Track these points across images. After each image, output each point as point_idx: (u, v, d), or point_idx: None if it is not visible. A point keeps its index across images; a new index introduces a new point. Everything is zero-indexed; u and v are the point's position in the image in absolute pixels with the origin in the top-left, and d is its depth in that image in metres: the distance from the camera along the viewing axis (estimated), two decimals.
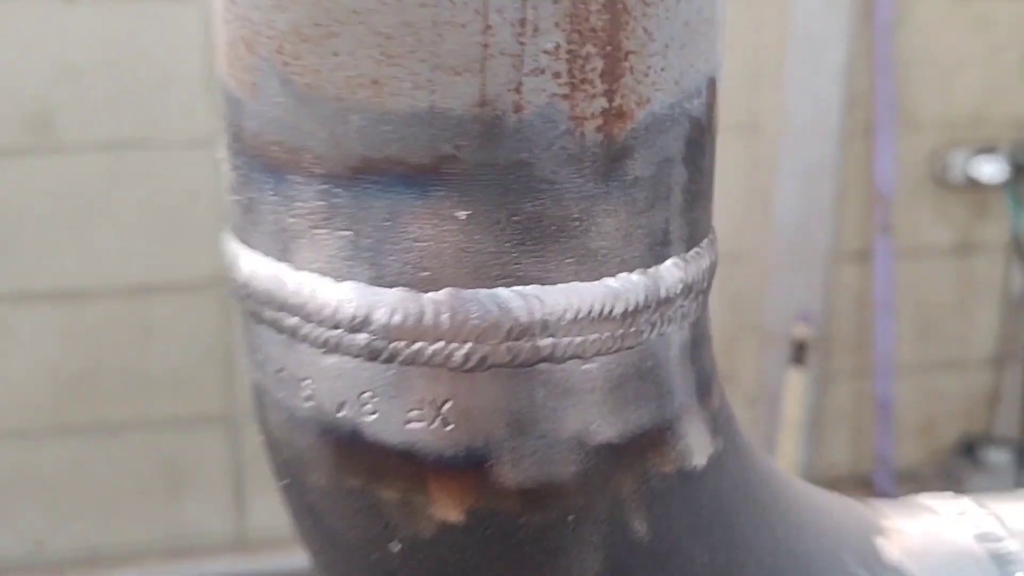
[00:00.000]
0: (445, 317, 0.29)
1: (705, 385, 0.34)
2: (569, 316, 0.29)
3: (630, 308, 0.30)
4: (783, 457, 2.09)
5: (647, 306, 0.31)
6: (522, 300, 0.29)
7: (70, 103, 1.67)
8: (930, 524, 0.41)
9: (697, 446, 0.33)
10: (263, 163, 0.30)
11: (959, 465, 2.21)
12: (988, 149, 2.06)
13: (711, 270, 0.33)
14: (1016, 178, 2.07)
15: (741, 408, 2.09)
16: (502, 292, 0.29)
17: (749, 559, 0.35)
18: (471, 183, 0.28)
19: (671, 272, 0.31)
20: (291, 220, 0.30)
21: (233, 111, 0.31)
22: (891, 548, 0.40)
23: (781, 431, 2.08)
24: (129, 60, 1.68)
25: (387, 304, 0.29)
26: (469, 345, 0.29)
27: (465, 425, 0.30)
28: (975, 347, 2.25)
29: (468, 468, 0.30)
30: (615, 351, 0.31)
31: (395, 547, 0.32)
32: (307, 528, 0.34)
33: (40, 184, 1.70)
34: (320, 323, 0.30)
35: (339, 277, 0.30)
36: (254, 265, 0.31)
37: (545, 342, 0.29)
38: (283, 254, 0.31)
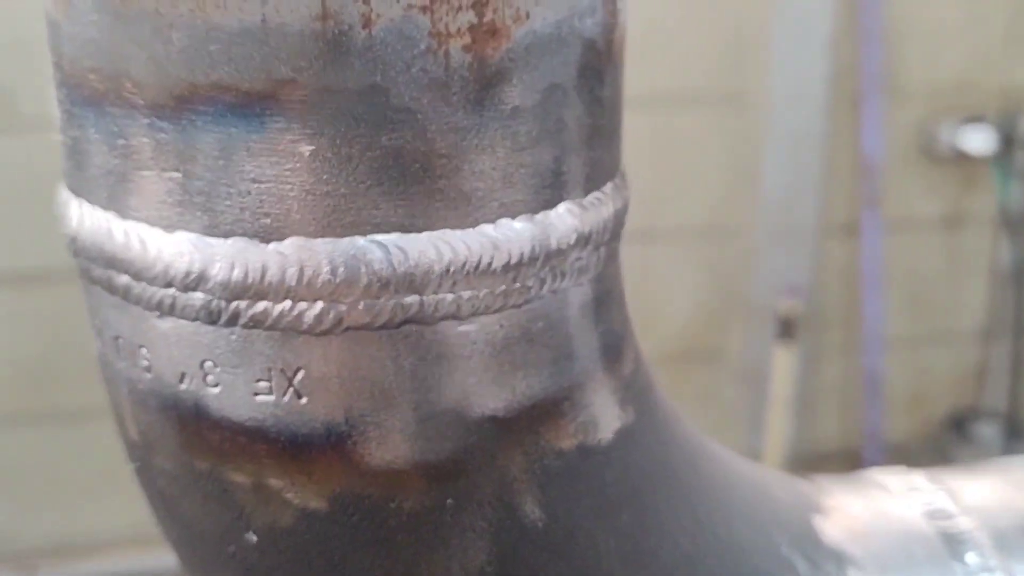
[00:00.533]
0: (292, 271, 0.25)
1: (613, 350, 0.30)
2: (439, 269, 0.25)
3: (513, 260, 0.26)
4: (772, 434, 2.05)
5: (534, 258, 0.26)
6: (381, 251, 0.25)
7: (28, 79, 1.62)
8: (877, 501, 0.37)
9: (603, 418, 0.29)
10: (83, 95, 0.26)
11: (948, 440, 2.17)
12: (975, 119, 2.01)
13: (617, 218, 0.29)
14: (1004, 149, 2.03)
15: (728, 385, 2.05)
16: (358, 241, 0.25)
17: (664, 544, 0.31)
18: (315, 112, 0.24)
19: (563, 219, 0.27)
20: (115, 161, 0.26)
21: (52, 36, 0.27)
22: (831, 528, 0.36)
23: (769, 408, 2.04)
24: None
25: (224, 257, 0.25)
26: (321, 304, 0.25)
27: (321, 397, 0.26)
28: (964, 320, 2.22)
29: (328, 447, 0.26)
30: (497, 310, 0.26)
31: (251, 538, 0.28)
32: (161, 517, 0.30)
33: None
34: (152, 281, 0.26)
35: (170, 227, 0.26)
36: (82, 215, 0.27)
37: (411, 299, 0.25)
38: (110, 201, 0.26)
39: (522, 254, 0.26)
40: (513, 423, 0.27)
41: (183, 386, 0.27)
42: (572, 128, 0.27)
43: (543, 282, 0.27)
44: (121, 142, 0.25)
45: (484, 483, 0.27)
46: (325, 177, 0.25)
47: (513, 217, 0.26)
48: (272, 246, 0.25)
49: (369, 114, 0.24)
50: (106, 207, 0.27)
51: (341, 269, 0.25)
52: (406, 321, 0.26)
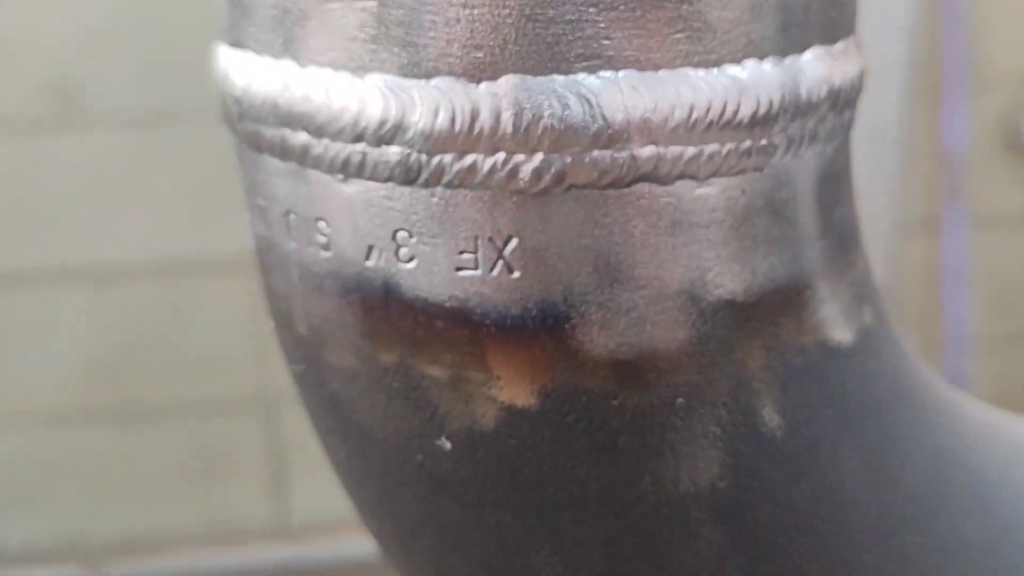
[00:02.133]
0: (507, 116, 0.21)
1: (851, 238, 0.26)
2: (679, 116, 0.21)
3: (761, 110, 0.22)
4: None
5: (784, 110, 0.22)
6: (616, 91, 0.21)
7: (98, 73, 1.61)
8: None
9: (843, 315, 0.25)
10: None
11: None
12: None
13: (862, 79, 0.25)
14: None
15: None
16: (587, 79, 0.21)
17: (906, 467, 0.26)
18: None
19: (813, 67, 0.23)
20: None
21: None
22: None
23: None
24: (160, 27, 1.61)
25: (426, 101, 0.21)
26: (540, 156, 0.21)
27: (537, 271, 0.22)
28: None
29: (542, 331, 0.22)
30: (739, 172, 0.22)
31: (444, 444, 0.24)
32: (330, 428, 0.27)
33: (69, 159, 1.64)
34: (336, 136, 0.22)
35: (360, 69, 0.22)
36: (250, 71, 0.24)
37: (646, 152, 0.21)
38: (285, 48, 0.23)
39: (771, 103, 0.22)
40: (753, 310, 0.23)
41: (370, 263, 0.23)
42: None
43: (790, 142, 0.23)
44: None
45: (719, 380, 0.23)
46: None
47: (760, 58, 0.22)
48: (484, 86, 0.21)
49: None
50: (280, 55, 0.23)
51: (567, 112, 0.21)
52: (639, 179, 0.21)
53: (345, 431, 0.26)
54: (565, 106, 0.21)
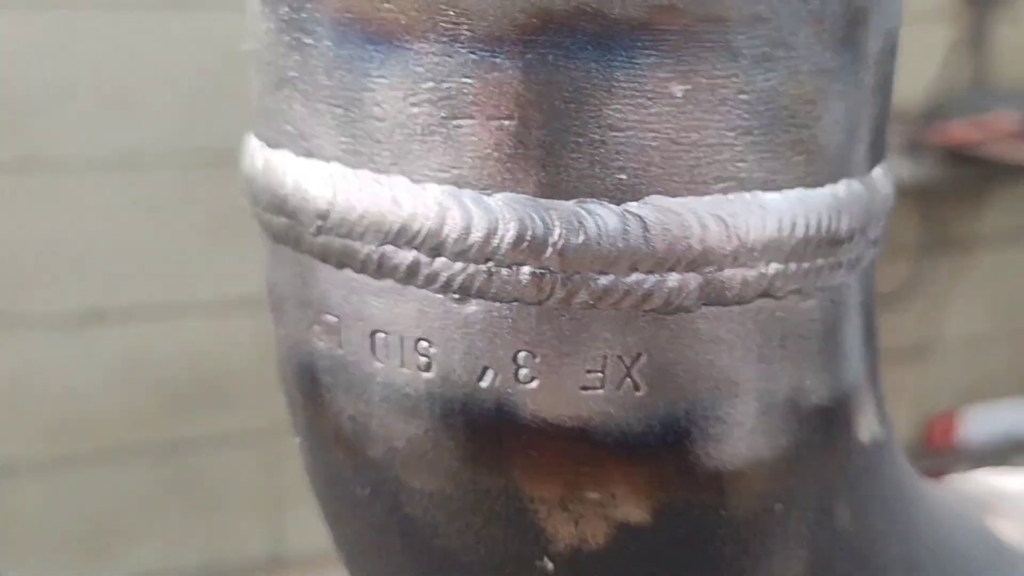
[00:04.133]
0: (654, 236, 0.21)
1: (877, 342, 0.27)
2: (798, 234, 0.22)
3: (855, 225, 0.23)
4: None
5: (867, 223, 0.24)
6: (749, 212, 0.21)
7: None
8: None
9: (879, 411, 0.27)
10: (367, 32, 0.21)
11: None
12: None
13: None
14: None
15: None
16: (724, 200, 0.21)
17: (924, 553, 0.28)
18: (692, 45, 0.20)
19: (882, 182, 0.24)
20: (414, 110, 0.21)
21: None
22: (1006, 531, 0.34)
23: None
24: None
25: (566, 221, 0.21)
26: (678, 276, 0.21)
27: (663, 388, 0.22)
28: None
29: (662, 448, 0.22)
30: (834, 284, 0.23)
31: (546, 566, 0.23)
32: (395, 552, 0.25)
33: None
34: (458, 255, 0.21)
35: (491, 187, 0.21)
36: (344, 184, 0.22)
37: (772, 269, 0.22)
38: (397, 162, 0.22)
39: (864, 219, 0.23)
40: (836, 413, 0.24)
41: (483, 384, 0.22)
42: (891, 83, 0.24)
43: (866, 251, 0.24)
44: (428, 85, 0.21)
45: (809, 483, 0.24)
46: (695, 123, 0.21)
47: (852, 177, 0.23)
48: (627, 206, 0.21)
49: (748, 49, 0.21)
50: (386, 170, 0.22)
51: (707, 233, 0.21)
52: (761, 294, 0.22)
53: (420, 555, 0.24)
54: (704, 227, 0.21)
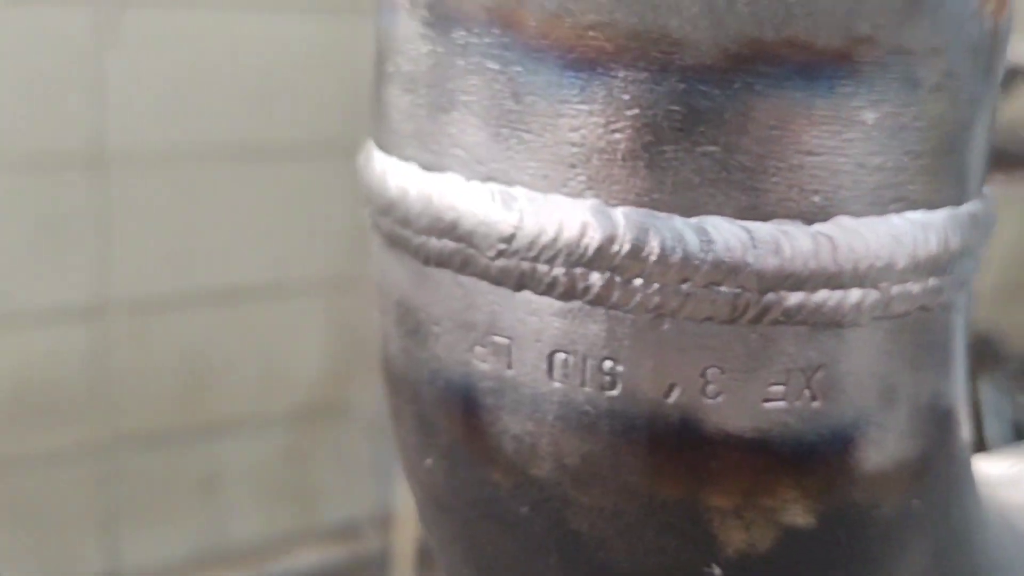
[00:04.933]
0: (841, 255, 0.22)
1: None
2: (952, 249, 0.24)
3: (979, 240, 0.25)
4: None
5: (984, 239, 0.26)
6: (916, 230, 0.23)
7: None
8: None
9: (967, 413, 0.29)
10: (564, 60, 0.22)
11: None
12: None
13: None
14: None
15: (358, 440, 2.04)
16: (898, 221, 0.23)
17: (992, 540, 0.31)
18: (883, 75, 0.22)
19: (994, 200, 0.26)
20: (616, 136, 0.22)
21: None
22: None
23: None
24: None
25: (766, 242, 0.22)
26: (860, 291, 0.23)
27: (835, 398, 0.23)
28: None
29: (831, 454, 0.24)
30: (962, 297, 0.25)
31: (714, 572, 0.24)
32: (548, 569, 0.25)
33: None
34: (656, 278, 0.22)
35: (689, 211, 0.22)
36: (530, 207, 0.22)
37: (931, 283, 0.24)
38: (591, 186, 0.22)
39: (983, 235, 0.25)
40: (954, 416, 0.26)
41: (670, 400, 0.23)
42: (997, 107, 0.26)
43: (978, 265, 0.26)
44: (633, 112, 0.21)
45: (938, 481, 0.26)
46: (880, 148, 0.22)
47: (979, 198, 0.25)
48: (816, 227, 0.22)
49: (926, 79, 0.22)
50: (582, 194, 0.22)
51: (882, 250, 0.23)
52: (920, 307, 0.24)
53: (576, 569, 0.25)
54: (882, 245, 0.22)
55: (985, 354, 2.95)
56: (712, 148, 0.21)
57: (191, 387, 1.86)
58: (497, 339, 0.24)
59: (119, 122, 1.68)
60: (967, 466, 0.28)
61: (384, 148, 0.26)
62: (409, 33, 0.24)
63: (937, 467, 0.26)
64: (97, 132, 1.65)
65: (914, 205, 0.23)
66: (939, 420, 0.25)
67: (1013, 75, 1.98)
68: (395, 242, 0.25)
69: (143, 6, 1.65)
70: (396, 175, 0.25)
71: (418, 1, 0.24)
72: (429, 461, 0.27)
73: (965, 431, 0.27)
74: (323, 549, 2.03)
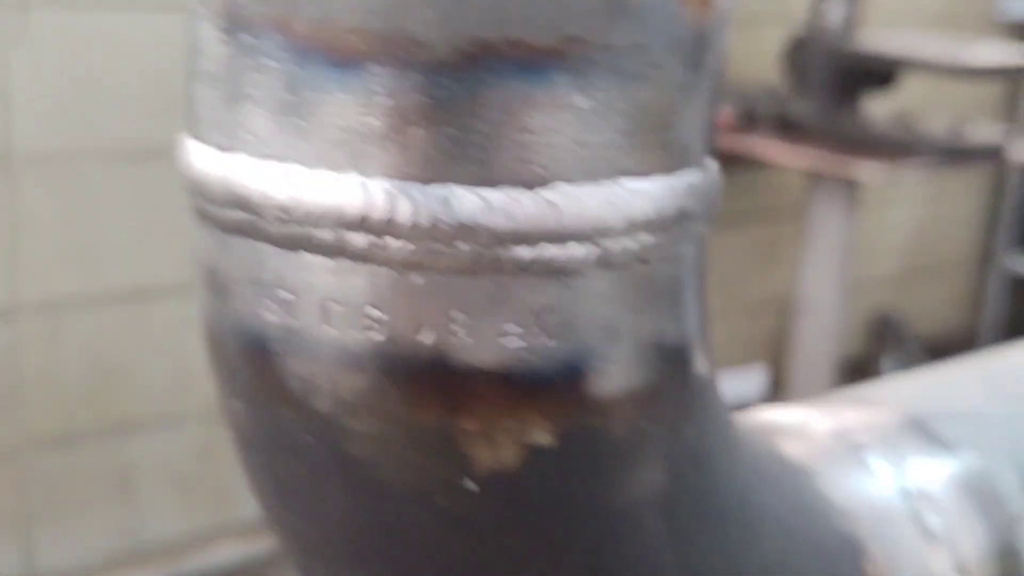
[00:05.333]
0: (561, 216, 0.27)
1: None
2: (665, 213, 0.29)
3: (699, 204, 0.30)
4: None
5: (708, 201, 0.30)
6: (633, 196, 0.28)
7: None
8: (799, 431, 0.45)
9: (705, 353, 0.34)
10: (327, 58, 0.26)
11: None
12: None
13: None
14: None
15: None
16: (613, 187, 0.28)
17: (742, 463, 0.36)
18: (593, 68, 0.27)
19: (715, 169, 0.31)
20: (370, 120, 0.26)
21: (275, 2, 0.26)
22: (790, 450, 0.42)
23: None
24: None
25: (497, 206, 0.26)
26: (579, 246, 0.27)
27: (565, 337, 0.28)
28: None
29: (565, 384, 0.28)
30: (684, 251, 0.30)
31: (470, 486, 0.29)
32: (334, 491, 0.30)
33: None
34: (407, 238, 0.26)
35: (432, 180, 0.26)
36: (302, 181, 0.27)
37: (646, 240, 0.28)
38: (351, 161, 0.27)
39: (705, 198, 0.30)
40: (682, 352, 0.31)
41: (422, 340, 0.27)
42: (720, 90, 0.31)
43: (705, 225, 0.31)
44: (384, 100, 0.26)
45: (667, 407, 0.31)
46: (592, 128, 0.27)
47: (697, 166, 0.30)
48: (541, 193, 0.27)
49: (632, 70, 0.27)
50: (344, 169, 0.27)
51: (603, 213, 0.27)
52: (637, 259, 0.28)
53: (358, 489, 0.29)
54: (600, 207, 0.27)
55: (887, 334, 3.06)
56: (450, 129, 0.26)
57: (103, 387, 1.87)
58: (282, 294, 0.28)
59: (25, 124, 1.69)
60: (704, 396, 0.33)
61: (194, 135, 0.30)
62: (209, 37, 0.28)
63: (666, 396, 0.31)
64: (3, 134, 1.66)
65: (628, 174, 0.28)
66: (665, 355, 0.30)
67: (897, 67, 2.07)
68: (203, 216, 0.30)
69: (48, 8, 1.66)
70: (201, 158, 0.29)
71: (215, 11, 0.28)
72: (235, 403, 0.31)
73: (699, 365, 0.32)
74: (241, 544, 2.05)
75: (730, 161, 2.31)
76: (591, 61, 0.26)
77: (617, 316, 0.29)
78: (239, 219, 0.28)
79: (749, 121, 2.17)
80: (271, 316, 0.28)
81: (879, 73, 2.10)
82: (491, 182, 0.27)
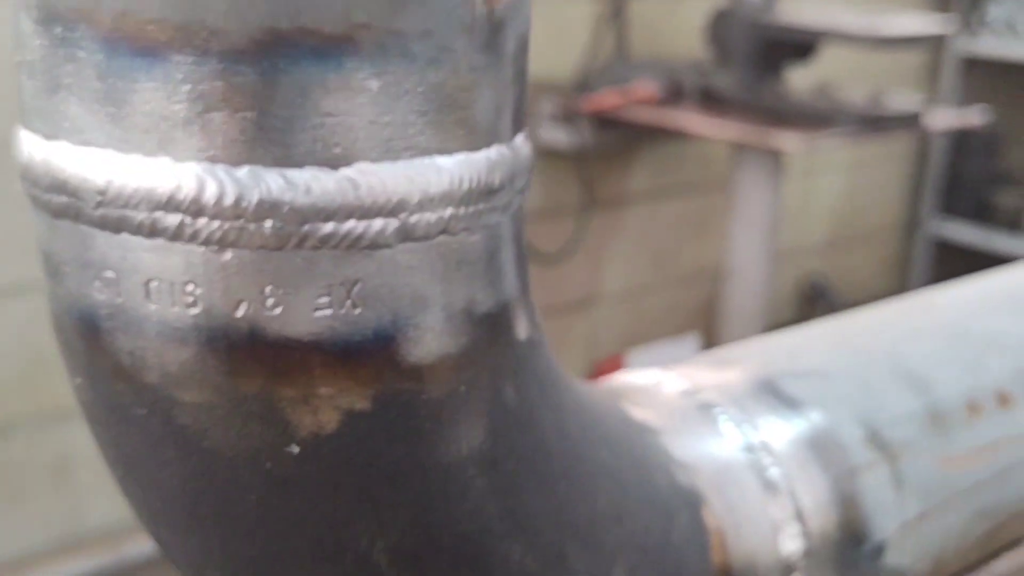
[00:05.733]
0: (362, 192, 0.29)
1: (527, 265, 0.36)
2: (465, 187, 0.30)
3: (505, 178, 0.32)
4: None
5: (517, 174, 0.32)
6: (432, 172, 0.30)
7: None
8: (650, 393, 0.47)
9: (528, 319, 0.36)
10: (134, 47, 0.28)
11: None
12: None
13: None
14: None
15: None
16: (411, 164, 0.29)
17: (571, 421, 0.38)
18: (383, 52, 0.28)
19: (523, 146, 0.33)
20: (176, 107, 0.28)
21: None
22: (636, 411, 0.45)
23: None
24: None
25: (299, 185, 0.28)
26: (382, 220, 0.29)
27: (374, 306, 0.30)
28: None
29: (376, 351, 0.30)
30: (494, 223, 0.32)
31: (293, 449, 0.31)
32: (169, 459, 0.32)
33: None
34: (216, 217, 0.28)
35: (237, 162, 0.28)
36: (117, 165, 0.28)
37: (448, 213, 0.30)
38: (161, 146, 0.28)
39: (511, 173, 0.32)
40: (498, 318, 0.33)
41: (238, 314, 0.29)
42: (525, 72, 0.33)
43: (516, 197, 0.33)
44: (186, 87, 0.28)
45: (484, 371, 0.33)
46: (387, 109, 0.29)
47: (500, 143, 0.32)
48: (343, 171, 0.29)
49: (422, 53, 0.29)
50: (155, 153, 0.28)
51: (402, 188, 0.29)
52: (442, 232, 0.30)
53: (191, 456, 0.31)
54: (398, 184, 0.29)
55: (817, 300, 3.12)
56: (249, 113, 0.28)
57: (34, 374, 1.87)
58: (108, 274, 0.30)
59: None
60: (526, 358, 0.35)
61: (23, 124, 0.31)
62: (27, 30, 0.30)
63: (482, 360, 0.33)
64: None
65: (426, 152, 0.30)
66: (478, 321, 0.32)
67: (817, 38, 2.11)
68: (34, 201, 0.31)
69: None
70: (27, 144, 0.30)
71: (28, 4, 0.29)
72: (77, 379, 0.33)
73: (519, 330, 0.34)
74: None
75: (658, 135, 2.34)
76: (382, 46, 0.28)
77: (424, 286, 0.31)
78: (63, 203, 0.30)
79: (675, 94, 2.20)
80: (99, 295, 0.30)
81: (800, 45, 2.14)
82: (294, 163, 0.28)
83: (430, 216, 0.30)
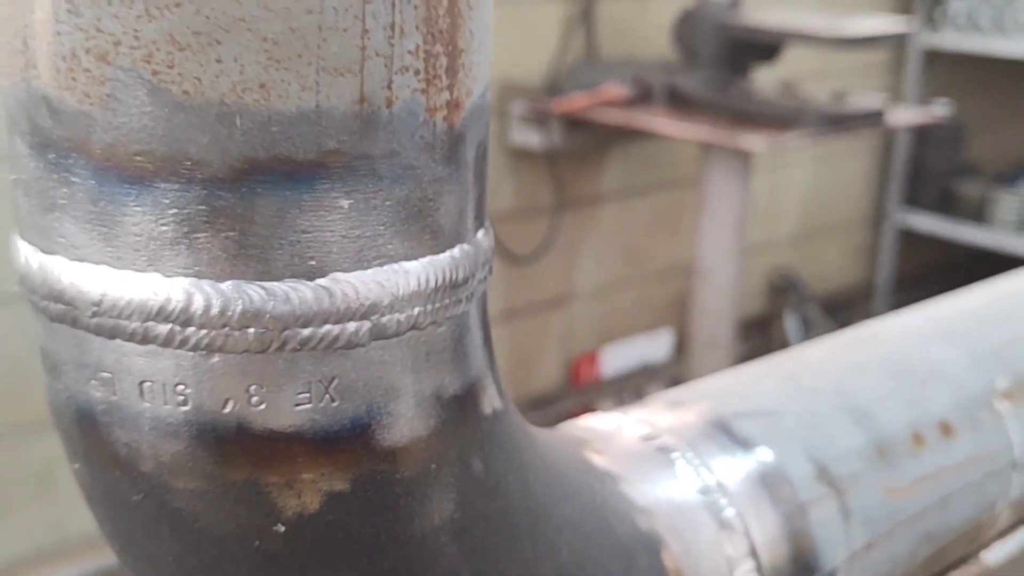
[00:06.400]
0: (337, 300, 0.32)
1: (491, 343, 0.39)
2: (431, 286, 0.33)
3: (468, 274, 0.35)
4: None
5: (478, 268, 0.35)
6: (399, 277, 0.33)
7: None
8: (615, 437, 0.50)
9: (497, 392, 0.39)
10: (123, 176, 0.30)
11: None
12: None
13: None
14: None
15: None
16: (381, 271, 0.32)
17: (534, 479, 0.41)
18: (352, 174, 0.31)
19: (484, 240, 0.36)
20: (163, 228, 0.31)
21: (72, 126, 0.30)
22: (598, 459, 0.48)
23: None
24: None
25: (279, 295, 0.31)
26: (355, 323, 0.32)
27: (350, 398, 0.33)
28: None
29: (353, 438, 0.33)
30: (460, 313, 0.35)
31: (279, 529, 0.34)
32: (164, 538, 0.34)
33: None
34: (203, 326, 0.31)
35: (221, 277, 0.31)
36: (111, 280, 0.31)
37: (416, 311, 0.33)
38: (151, 263, 0.31)
39: (473, 267, 0.35)
40: (465, 398, 0.36)
41: (226, 410, 0.32)
42: (485, 173, 0.36)
43: (479, 286, 0.36)
44: (173, 211, 0.30)
45: (452, 447, 0.36)
46: (357, 224, 0.32)
47: (463, 242, 0.35)
48: (317, 281, 0.31)
49: (388, 172, 0.32)
50: (145, 270, 0.31)
51: (372, 294, 0.32)
52: (411, 328, 0.33)
53: (184, 537, 0.34)
54: (369, 290, 0.32)
55: (788, 292, 3.16)
56: (231, 233, 0.31)
57: (17, 384, 1.88)
58: (104, 374, 0.32)
59: None
60: (492, 430, 0.38)
61: (20, 235, 0.34)
62: (22, 152, 0.32)
63: (451, 437, 0.36)
64: None
65: (394, 259, 0.33)
66: (447, 404, 0.35)
67: (781, 39, 2.14)
68: (32, 305, 0.34)
69: None
70: (25, 255, 0.33)
71: (22, 131, 0.32)
72: (76, 465, 0.35)
73: (485, 405, 0.37)
74: None
75: (629, 134, 2.37)
76: (351, 168, 0.31)
77: (396, 377, 0.33)
78: (60, 310, 0.32)
79: (644, 96, 2.23)
80: (96, 392, 0.33)
81: (765, 46, 2.17)
82: (273, 276, 0.31)
83: (400, 316, 0.33)
